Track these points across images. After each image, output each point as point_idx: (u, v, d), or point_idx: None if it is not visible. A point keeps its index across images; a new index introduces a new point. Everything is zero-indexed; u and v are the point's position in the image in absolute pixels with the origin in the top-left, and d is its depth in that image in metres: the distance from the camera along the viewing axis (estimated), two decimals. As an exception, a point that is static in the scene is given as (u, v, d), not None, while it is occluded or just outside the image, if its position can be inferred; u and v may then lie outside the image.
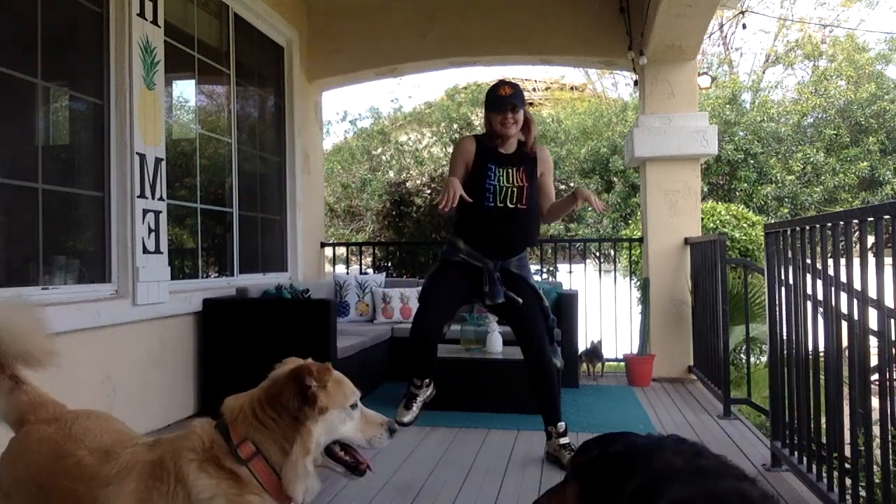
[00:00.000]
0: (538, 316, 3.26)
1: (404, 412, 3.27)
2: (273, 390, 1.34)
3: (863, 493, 2.24)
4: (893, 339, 2.16)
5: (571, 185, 12.92)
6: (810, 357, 2.74)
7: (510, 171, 3.13)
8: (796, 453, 2.90)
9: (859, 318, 2.23)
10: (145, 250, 3.82)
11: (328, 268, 7.25)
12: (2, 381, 1.58)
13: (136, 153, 3.78)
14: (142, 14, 3.85)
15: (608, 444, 1.34)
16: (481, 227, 3.15)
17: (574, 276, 6.67)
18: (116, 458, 1.32)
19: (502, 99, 3.07)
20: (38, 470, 1.38)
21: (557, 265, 7.59)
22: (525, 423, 3.92)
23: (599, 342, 5.75)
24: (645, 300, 5.65)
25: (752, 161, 11.26)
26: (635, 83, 5.97)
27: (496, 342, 4.66)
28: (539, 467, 3.25)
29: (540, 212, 3.34)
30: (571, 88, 15.82)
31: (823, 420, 2.60)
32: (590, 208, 11.84)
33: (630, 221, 10.37)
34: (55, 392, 3.28)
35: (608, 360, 5.88)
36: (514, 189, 3.12)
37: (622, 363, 5.60)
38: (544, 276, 7.33)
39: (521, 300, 3.16)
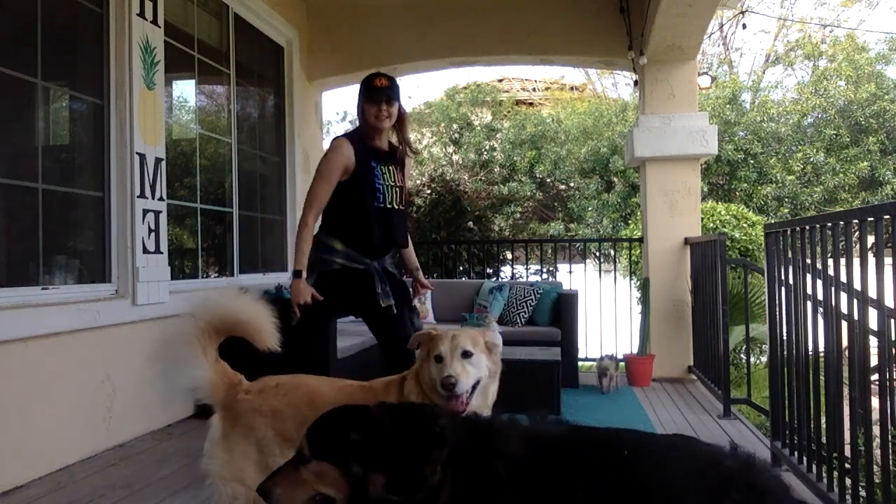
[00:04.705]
0: (407, 315, 3.04)
1: None
2: None
3: (863, 493, 2.24)
4: (893, 339, 2.16)
5: (571, 184, 12.94)
6: (810, 357, 2.74)
7: (392, 169, 2.97)
8: (796, 453, 2.90)
9: (859, 318, 2.23)
10: (145, 250, 3.82)
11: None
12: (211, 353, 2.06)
13: (136, 153, 3.78)
14: (142, 14, 3.85)
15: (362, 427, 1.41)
16: (370, 229, 2.90)
17: (574, 276, 6.67)
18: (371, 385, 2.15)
19: (378, 90, 2.88)
20: (337, 396, 2.03)
21: (557, 265, 7.60)
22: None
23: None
24: (645, 300, 5.65)
25: (752, 161, 11.27)
26: (635, 83, 5.97)
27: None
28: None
29: None
30: (571, 88, 15.81)
31: (823, 420, 2.60)
32: (589, 208, 11.91)
33: (630, 221, 10.37)
34: (55, 392, 3.30)
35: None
36: (398, 189, 2.98)
37: (622, 363, 5.59)
38: (544, 276, 7.34)
39: (395, 310, 2.92)
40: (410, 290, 3.20)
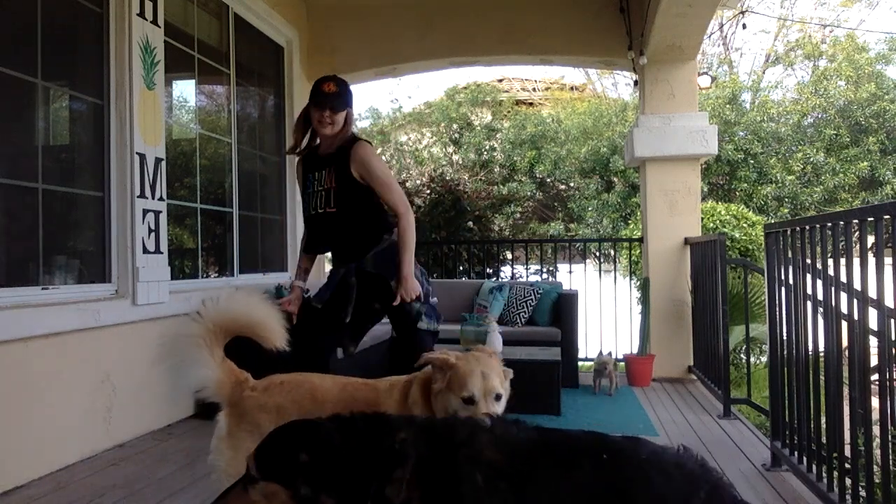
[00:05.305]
0: (402, 310, 2.92)
1: None
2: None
3: (863, 493, 2.24)
4: (893, 339, 2.16)
5: (571, 184, 12.93)
6: (810, 357, 2.74)
7: (322, 173, 2.92)
8: (796, 453, 2.90)
9: (859, 318, 2.23)
10: (145, 250, 3.82)
11: (328, 268, 7.24)
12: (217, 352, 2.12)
13: (136, 153, 3.78)
14: (142, 14, 3.85)
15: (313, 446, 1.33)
16: (308, 237, 3.08)
17: (574, 276, 6.67)
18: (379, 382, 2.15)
19: (324, 95, 2.84)
20: (339, 392, 2.10)
21: (557, 265, 7.60)
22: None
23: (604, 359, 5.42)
24: (645, 300, 5.65)
25: (752, 161, 11.27)
26: (635, 83, 5.97)
27: (496, 342, 4.65)
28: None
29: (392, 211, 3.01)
30: (571, 88, 15.80)
31: (823, 420, 2.60)
32: (589, 208, 11.91)
33: (630, 221, 10.37)
34: (55, 392, 3.30)
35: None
36: (322, 192, 2.91)
37: (622, 363, 5.59)
38: (544, 275, 7.33)
39: (348, 314, 2.90)
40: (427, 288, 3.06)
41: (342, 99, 2.86)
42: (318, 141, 3.00)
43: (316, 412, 1.98)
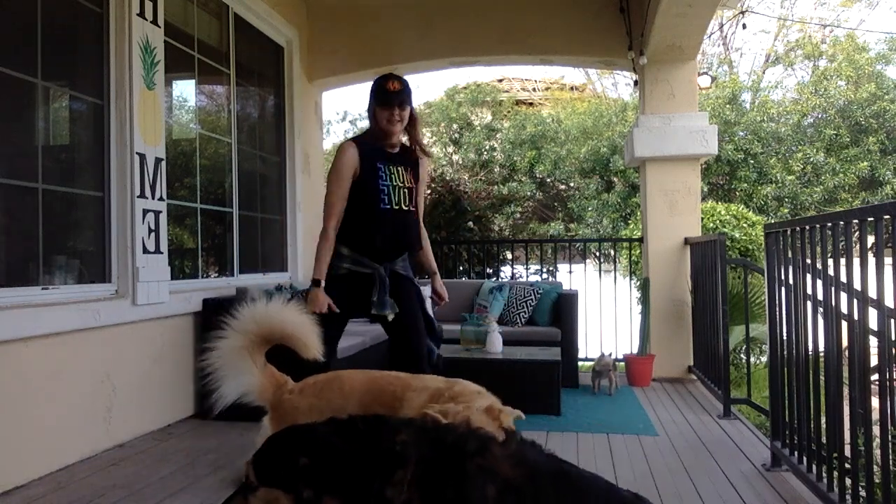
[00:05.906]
0: (419, 316, 3.01)
1: None
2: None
3: (863, 493, 2.24)
4: (893, 339, 2.16)
5: (571, 184, 12.93)
6: (810, 357, 2.74)
7: (400, 170, 2.95)
8: (796, 453, 2.90)
9: (859, 318, 2.23)
10: (145, 250, 3.82)
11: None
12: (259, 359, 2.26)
13: (136, 153, 3.78)
14: (142, 14, 3.85)
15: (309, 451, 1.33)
16: (377, 232, 2.91)
17: (574, 276, 6.67)
18: (413, 381, 2.23)
19: (391, 94, 2.87)
20: (368, 384, 2.23)
21: (557, 265, 7.60)
22: (524, 425, 3.90)
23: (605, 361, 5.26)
24: (645, 300, 5.65)
25: (752, 161, 11.27)
26: (635, 83, 5.97)
27: (496, 342, 4.66)
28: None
29: None
30: (571, 88, 15.80)
31: (823, 420, 2.60)
32: (589, 208, 11.91)
33: (630, 221, 10.37)
34: (55, 392, 3.30)
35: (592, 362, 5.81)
36: (405, 190, 2.95)
37: (622, 363, 5.59)
38: (544, 275, 7.33)
39: (393, 314, 2.93)
40: (430, 295, 3.17)
41: (408, 94, 2.92)
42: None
43: (344, 407, 2.12)
